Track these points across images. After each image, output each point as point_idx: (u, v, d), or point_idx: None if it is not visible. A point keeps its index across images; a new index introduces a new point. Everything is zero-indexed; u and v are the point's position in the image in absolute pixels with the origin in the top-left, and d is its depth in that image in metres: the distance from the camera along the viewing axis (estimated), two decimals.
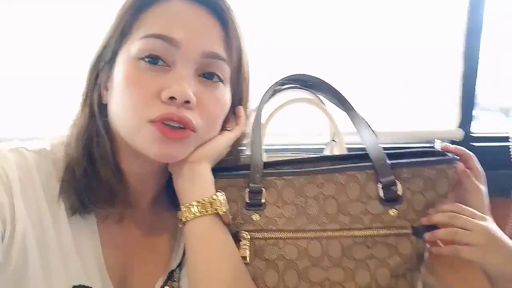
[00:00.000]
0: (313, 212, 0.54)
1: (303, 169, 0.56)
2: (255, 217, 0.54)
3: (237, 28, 0.50)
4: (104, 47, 0.50)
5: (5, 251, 0.43)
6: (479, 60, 0.85)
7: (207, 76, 0.49)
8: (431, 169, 0.52)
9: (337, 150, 0.72)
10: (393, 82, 0.88)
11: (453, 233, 0.48)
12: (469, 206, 0.52)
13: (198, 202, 0.50)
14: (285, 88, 0.68)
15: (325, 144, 0.77)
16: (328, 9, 0.86)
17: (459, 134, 0.87)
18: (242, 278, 0.50)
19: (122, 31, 0.48)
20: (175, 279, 0.56)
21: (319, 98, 0.70)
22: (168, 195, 0.58)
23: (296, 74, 0.67)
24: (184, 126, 0.46)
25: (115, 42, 0.49)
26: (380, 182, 0.52)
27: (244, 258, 0.52)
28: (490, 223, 0.50)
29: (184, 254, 0.57)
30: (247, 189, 0.55)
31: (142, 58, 0.46)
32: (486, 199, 0.54)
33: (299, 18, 0.84)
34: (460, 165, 0.55)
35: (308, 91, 0.70)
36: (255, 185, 0.55)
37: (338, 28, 0.86)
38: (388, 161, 0.53)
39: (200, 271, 0.49)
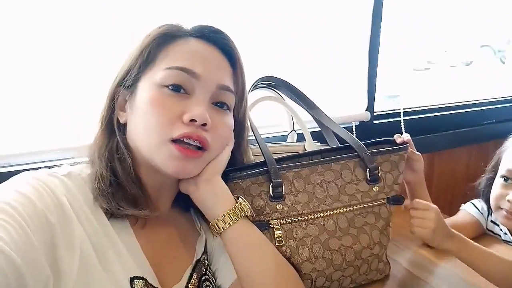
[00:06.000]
0: (320, 195, 0.67)
1: (307, 162, 0.69)
2: (279, 206, 0.64)
3: (242, 66, 0.60)
4: (126, 74, 0.55)
5: (70, 260, 0.45)
6: (378, 62, 1.14)
7: (219, 105, 0.57)
8: (395, 155, 0.72)
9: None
10: (314, 76, 1.05)
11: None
12: (416, 169, 0.77)
13: (228, 213, 0.56)
14: (253, 89, 0.79)
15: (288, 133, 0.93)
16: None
17: (367, 116, 1.15)
18: (281, 260, 0.60)
19: (145, 61, 0.54)
20: (202, 267, 0.62)
21: (280, 95, 0.85)
22: (181, 200, 0.64)
23: (266, 76, 0.80)
24: (201, 145, 0.54)
25: (137, 69, 0.54)
26: (368, 168, 0.69)
27: (280, 241, 0.63)
28: (437, 212, 0.72)
29: (206, 243, 0.66)
30: (270, 184, 0.64)
31: (166, 86, 0.53)
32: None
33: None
34: None
35: (271, 90, 0.84)
36: (277, 180, 0.65)
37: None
38: (368, 152, 0.71)
39: (249, 268, 0.56)
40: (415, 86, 1.56)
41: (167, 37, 0.55)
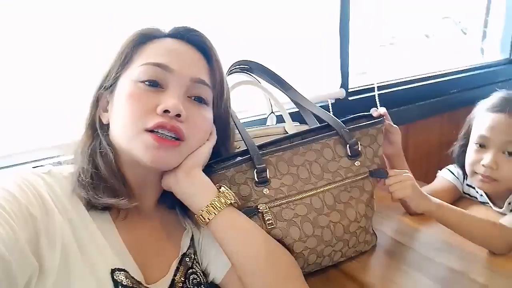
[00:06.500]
0: (305, 176, 0.68)
1: (288, 145, 0.69)
2: (265, 191, 0.65)
3: (219, 62, 0.61)
4: (106, 77, 0.58)
5: (51, 254, 0.46)
6: (349, 38, 1.16)
7: (196, 99, 0.58)
8: (373, 128, 0.74)
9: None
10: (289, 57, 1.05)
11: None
12: (394, 141, 0.79)
13: (212, 203, 0.57)
14: (229, 74, 0.79)
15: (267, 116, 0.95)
16: None
17: (342, 93, 1.17)
18: (272, 242, 0.61)
19: (123, 61, 0.57)
20: (187, 261, 0.62)
21: (256, 78, 0.85)
22: (167, 197, 0.64)
23: (241, 60, 0.80)
24: (175, 135, 0.54)
25: (116, 70, 0.57)
26: (348, 144, 0.71)
27: (270, 224, 0.63)
28: (410, 174, 0.75)
29: (192, 237, 0.66)
30: (254, 170, 0.64)
31: (143, 81, 0.55)
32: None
33: None
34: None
35: (246, 74, 0.84)
36: (261, 165, 0.65)
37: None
38: (347, 128, 0.72)
39: (241, 254, 0.57)
40: (382, 61, 1.60)
41: (143, 38, 0.58)
